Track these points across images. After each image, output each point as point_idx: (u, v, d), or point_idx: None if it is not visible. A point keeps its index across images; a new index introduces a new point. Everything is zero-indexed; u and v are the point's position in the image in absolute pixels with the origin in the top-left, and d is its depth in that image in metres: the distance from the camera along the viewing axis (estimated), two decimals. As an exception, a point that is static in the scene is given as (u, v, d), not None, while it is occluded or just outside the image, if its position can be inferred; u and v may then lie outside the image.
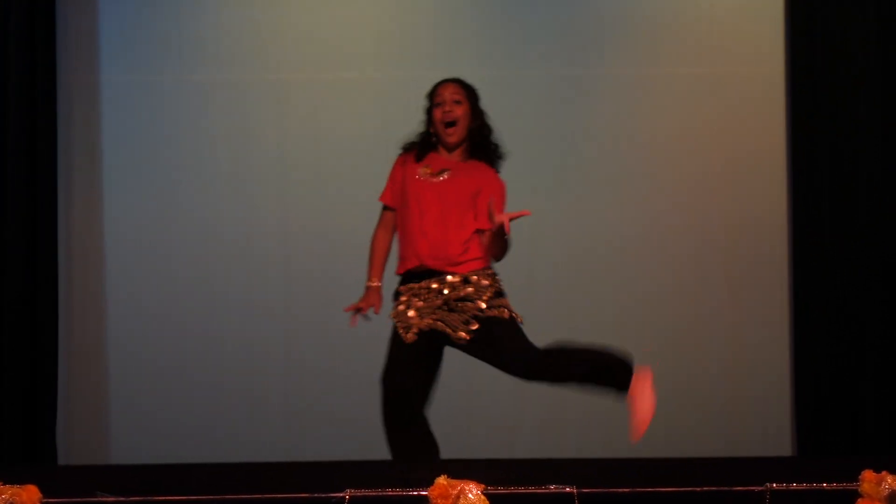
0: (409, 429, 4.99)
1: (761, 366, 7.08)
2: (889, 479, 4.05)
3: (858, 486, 4.11)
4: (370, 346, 6.96)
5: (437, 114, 4.95)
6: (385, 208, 5.12)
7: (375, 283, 5.02)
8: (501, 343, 4.92)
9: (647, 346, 7.06)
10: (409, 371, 4.94)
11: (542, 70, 7.07)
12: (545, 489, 4.51)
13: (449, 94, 4.95)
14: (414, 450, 4.99)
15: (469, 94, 5.02)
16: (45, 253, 6.91)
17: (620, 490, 4.62)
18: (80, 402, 7.07)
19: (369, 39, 7.13)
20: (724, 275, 7.11)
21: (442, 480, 4.03)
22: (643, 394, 4.84)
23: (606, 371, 4.91)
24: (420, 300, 4.92)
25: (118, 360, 7.07)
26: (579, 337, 7.03)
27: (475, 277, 4.93)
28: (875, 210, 6.97)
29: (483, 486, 3.98)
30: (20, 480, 4.00)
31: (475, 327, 4.88)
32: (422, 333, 4.91)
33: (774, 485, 4.23)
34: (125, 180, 7.10)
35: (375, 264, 5.06)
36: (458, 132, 4.92)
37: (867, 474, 4.11)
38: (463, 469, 4.20)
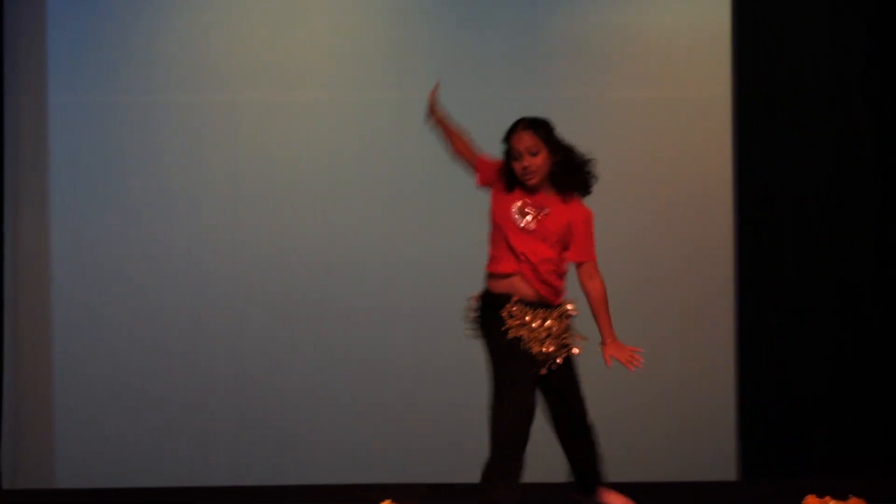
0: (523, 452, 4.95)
1: (706, 391, 7.08)
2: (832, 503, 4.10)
3: (801, 511, 4.15)
4: (323, 361, 7.02)
5: (517, 168, 4.98)
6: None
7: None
8: (576, 382, 5.02)
9: (593, 370, 7.13)
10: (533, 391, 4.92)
11: (492, 91, 7.10)
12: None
13: (524, 146, 4.97)
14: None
15: (544, 137, 5.04)
16: (-9, 274, 6.88)
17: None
18: (26, 425, 6.99)
19: (321, 60, 7.11)
20: (669, 300, 7.14)
21: (388, 504, 4.04)
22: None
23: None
24: (532, 324, 4.93)
25: (64, 381, 7.00)
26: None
27: (566, 307, 4.97)
28: (823, 232, 7.03)
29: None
30: (-37, 506, 3.97)
31: (562, 359, 4.93)
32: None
33: (718, 510, 4.26)
34: (73, 201, 7.04)
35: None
36: (537, 176, 4.96)
37: (810, 499, 4.15)
38: (404, 493, 4.21)
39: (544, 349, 4.83)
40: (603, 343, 4.89)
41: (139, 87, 7.08)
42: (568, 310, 4.93)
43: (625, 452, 7.03)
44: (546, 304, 4.87)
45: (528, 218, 4.93)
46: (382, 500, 4.85)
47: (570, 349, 4.91)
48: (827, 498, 4.15)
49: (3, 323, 6.91)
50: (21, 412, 7.00)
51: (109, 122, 7.08)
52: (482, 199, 7.05)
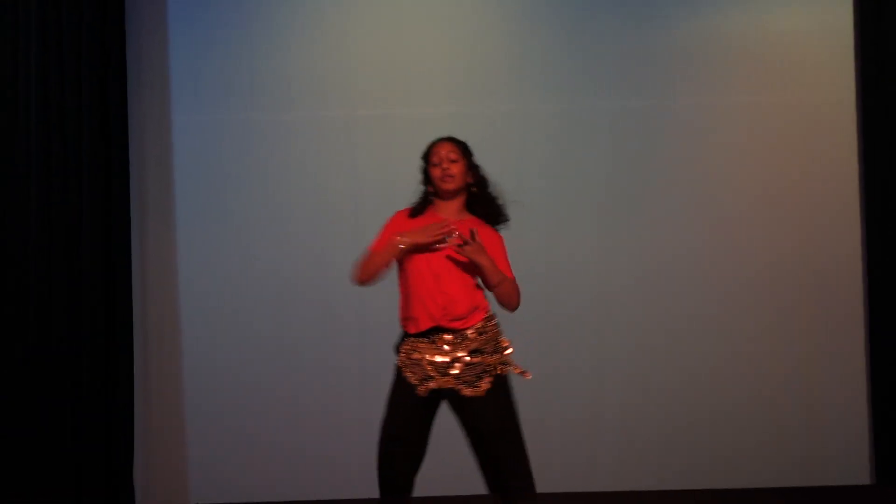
0: (404, 489, 5.03)
1: (837, 389, 7.05)
2: None
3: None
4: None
5: (436, 172, 5.01)
6: None
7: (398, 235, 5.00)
8: (502, 411, 4.99)
9: (717, 368, 7.10)
10: (417, 426, 5.01)
11: (613, 101, 7.09)
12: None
13: (445, 152, 5.05)
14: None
15: (463, 151, 5.09)
16: (120, 294, 6.96)
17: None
18: (158, 444, 7.09)
19: (440, 74, 7.16)
20: (798, 303, 7.09)
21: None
22: None
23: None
24: (434, 354, 4.96)
25: (194, 400, 7.08)
26: (653, 354, 7.05)
27: (480, 328, 4.96)
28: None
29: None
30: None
31: (487, 383, 4.93)
32: (434, 390, 4.96)
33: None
34: (197, 216, 7.14)
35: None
36: (454, 181, 4.98)
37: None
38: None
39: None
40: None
41: (260, 105, 7.14)
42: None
43: (749, 455, 7.01)
44: None
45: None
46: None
47: None
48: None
49: (132, 344, 6.99)
50: (153, 428, 7.09)
51: (231, 138, 7.15)
52: (611, 203, 7.07)
